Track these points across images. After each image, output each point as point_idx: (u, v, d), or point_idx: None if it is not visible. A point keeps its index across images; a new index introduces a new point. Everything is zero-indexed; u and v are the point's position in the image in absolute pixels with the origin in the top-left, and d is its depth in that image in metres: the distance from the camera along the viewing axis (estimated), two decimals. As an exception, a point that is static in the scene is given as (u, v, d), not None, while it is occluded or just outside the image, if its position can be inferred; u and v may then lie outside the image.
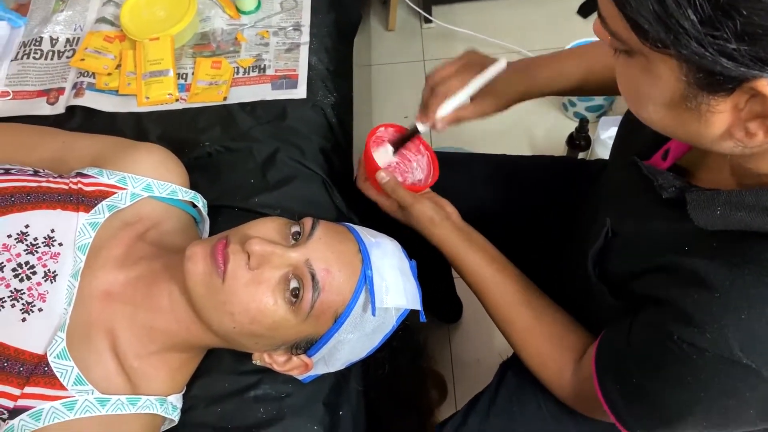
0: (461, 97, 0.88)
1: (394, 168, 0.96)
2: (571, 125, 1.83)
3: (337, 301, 0.73)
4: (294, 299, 0.71)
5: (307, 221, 0.76)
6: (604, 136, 1.63)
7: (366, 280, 0.74)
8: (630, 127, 0.78)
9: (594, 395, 0.71)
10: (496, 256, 0.87)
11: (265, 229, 0.75)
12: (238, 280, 0.70)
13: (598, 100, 1.81)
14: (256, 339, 0.74)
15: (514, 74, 0.91)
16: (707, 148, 0.53)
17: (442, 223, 0.88)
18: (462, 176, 1.07)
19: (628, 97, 0.56)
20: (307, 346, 0.77)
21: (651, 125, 0.55)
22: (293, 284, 0.71)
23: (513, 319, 0.84)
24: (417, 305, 0.79)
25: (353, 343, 0.77)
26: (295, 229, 0.76)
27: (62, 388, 0.71)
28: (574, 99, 1.85)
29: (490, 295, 0.85)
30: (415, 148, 0.97)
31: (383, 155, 0.93)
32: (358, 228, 0.81)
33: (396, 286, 0.76)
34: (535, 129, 1.92)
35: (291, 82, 1.14)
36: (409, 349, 0.85)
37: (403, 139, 0.94)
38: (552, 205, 1.03)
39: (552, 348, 0.81)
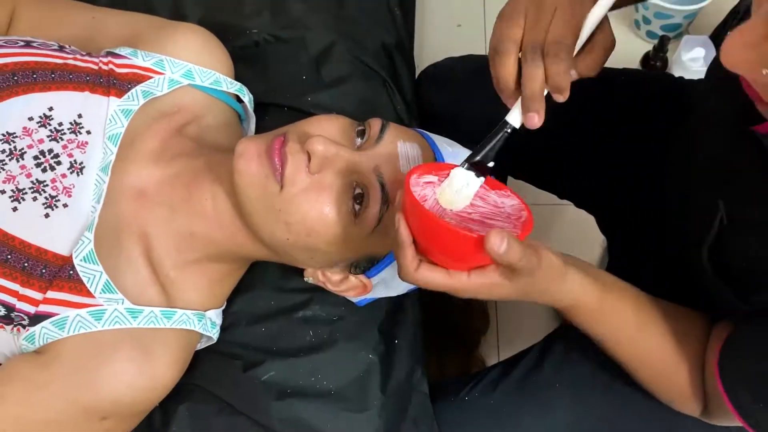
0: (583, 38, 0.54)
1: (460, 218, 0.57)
2: (642, 46, 1.67)
3: None
4: (358, 211, 0.62)
5: (375, 122, 0.66)
6: (686, 57, 1.47)
7: (443, 195, 0.64)
8: (719, 83, 0.62)
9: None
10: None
11: (329, 128, 0.65)
12: (297, 186, 0.61)
13: (677, 18, 1.63)
14: (311, 253, 0.66)
15: None
16: None
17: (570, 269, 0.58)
18: None
19: None
20: (368, 265, 0.68)
21: None
22: (357, 193, 0.62)
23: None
24: (495, 226, 0.68)
25: (421, 266, 0.67)
26: (360, 129, 0.66)
27: (89, 295, 0.63)
28: (649, 16, 1.67)
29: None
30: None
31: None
32: (433, 135, 0.70)
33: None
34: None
35: (351, -35, 0.99)
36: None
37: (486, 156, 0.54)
38: (643, 134, 0.86)
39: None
